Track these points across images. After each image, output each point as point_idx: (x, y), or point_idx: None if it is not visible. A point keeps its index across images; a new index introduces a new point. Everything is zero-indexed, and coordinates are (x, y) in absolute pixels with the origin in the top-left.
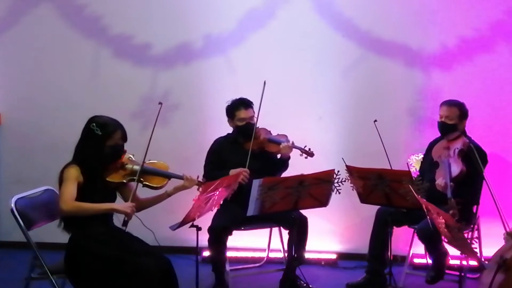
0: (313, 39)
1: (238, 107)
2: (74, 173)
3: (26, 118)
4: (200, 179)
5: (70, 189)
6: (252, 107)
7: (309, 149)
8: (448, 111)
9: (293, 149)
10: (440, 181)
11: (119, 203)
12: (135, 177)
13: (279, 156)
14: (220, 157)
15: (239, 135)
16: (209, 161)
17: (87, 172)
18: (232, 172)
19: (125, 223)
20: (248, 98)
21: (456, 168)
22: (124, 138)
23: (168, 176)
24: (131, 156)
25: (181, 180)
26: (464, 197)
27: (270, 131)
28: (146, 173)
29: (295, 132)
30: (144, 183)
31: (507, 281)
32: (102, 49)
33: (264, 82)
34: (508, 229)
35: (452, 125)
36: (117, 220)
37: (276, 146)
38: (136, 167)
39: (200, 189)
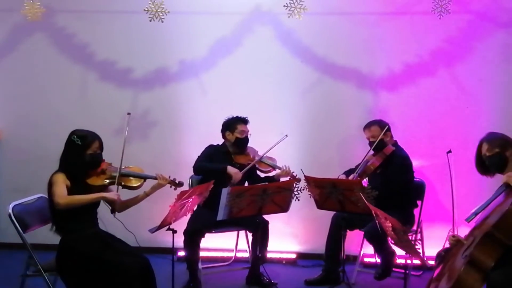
0: (275, 64)
1: (238, 121)
2: (61, 177)
3: (23, 133)
4: (172, 178)
5: (61, 188)
6: (248, 124)
7: (296, 175)
8: (370, 132)
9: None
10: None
11: (107, 193)
12: (114, 180)
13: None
14: (213, 161)
15: (235, 147)
16: (203, 157)
17: (71, 178)
18: (230, 169)
19: (112, 211)
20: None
21: (370, 160)
22: (101, 147)
23: (144, 177)
24: (110, 163)
25: (156, 180)
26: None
27: (257, 151)
28: (124, 176)
29: (260, 146)
30: (123, 184)
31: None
32: (89, 73)
33: (286, 135)
34: (452, 232)
35: (378, 141)
36: (102, 225)
37: (267, 166)
38: (115, 172)
39: (173, 187)
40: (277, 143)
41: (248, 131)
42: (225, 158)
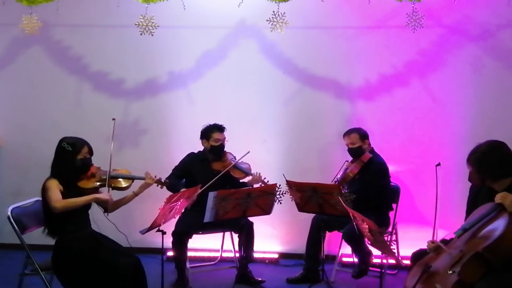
0: (259, 75)
1: (213, 130)
2: (54, 183)
3: (21, 141)
4: (158, 178)
5: (56, 193)
6: (224, 132)
7: (268, 181)
8: (349, 139)
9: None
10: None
11: (100, 194)
12: (105, 183)
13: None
14: (189, 170)
15: (211, 154)
16: (178, 167)
17: (64, 183)
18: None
19: (106, 210)
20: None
21: (348, 168)
22: (91, 152)
23: (132, 178)
24: (99, 167)
25: (143, 180)
26: (357, 193)
27: (235, 156)
28: (113, 178)
29: (244, 153)
30: (112, 186)
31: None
32: (84, 84)
33: (248, 151)
34: (434, 238)
35: (357, 148)
36: (95, 226)
37: (240, 173)
38: (104, 175)
39: (160, 186)
40: (243, 155)
41: (224, 138)
42: (203, 166)
